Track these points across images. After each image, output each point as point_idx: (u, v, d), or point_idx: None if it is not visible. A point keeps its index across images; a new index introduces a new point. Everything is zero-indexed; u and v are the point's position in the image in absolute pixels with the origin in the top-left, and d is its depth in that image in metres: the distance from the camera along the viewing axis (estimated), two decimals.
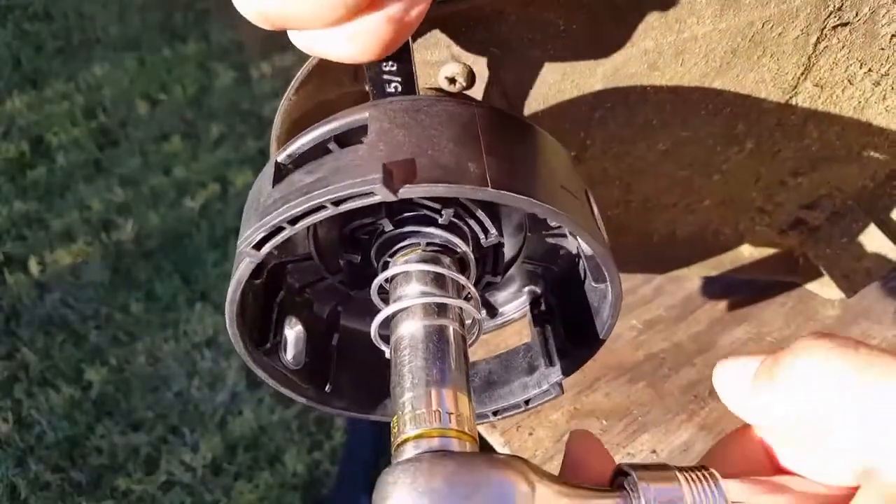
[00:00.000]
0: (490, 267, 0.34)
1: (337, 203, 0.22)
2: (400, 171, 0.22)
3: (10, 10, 1.98)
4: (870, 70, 0.34)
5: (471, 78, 0.30)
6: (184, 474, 1.14)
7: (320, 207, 0.23)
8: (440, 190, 0.22)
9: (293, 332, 0.32)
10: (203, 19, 2.01)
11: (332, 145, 0.26)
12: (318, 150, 0.26)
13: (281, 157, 0.26)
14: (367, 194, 0.22)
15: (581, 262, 0.31)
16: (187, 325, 1.33)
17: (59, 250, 1.43)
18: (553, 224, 0.29)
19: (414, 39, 0.29)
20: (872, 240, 0.41)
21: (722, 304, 0.54)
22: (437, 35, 0.29)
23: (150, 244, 1.47)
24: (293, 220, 0.23)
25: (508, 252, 0.34)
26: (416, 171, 0.22)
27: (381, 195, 0.22)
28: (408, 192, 0.22)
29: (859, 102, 0.35)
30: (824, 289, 0.45)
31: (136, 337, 1.31)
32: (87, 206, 1.52)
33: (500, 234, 0.31)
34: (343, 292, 0.35)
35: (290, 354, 0.32)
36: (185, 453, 1.16)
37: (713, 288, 0.54)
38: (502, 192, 0.23)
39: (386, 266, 0.30)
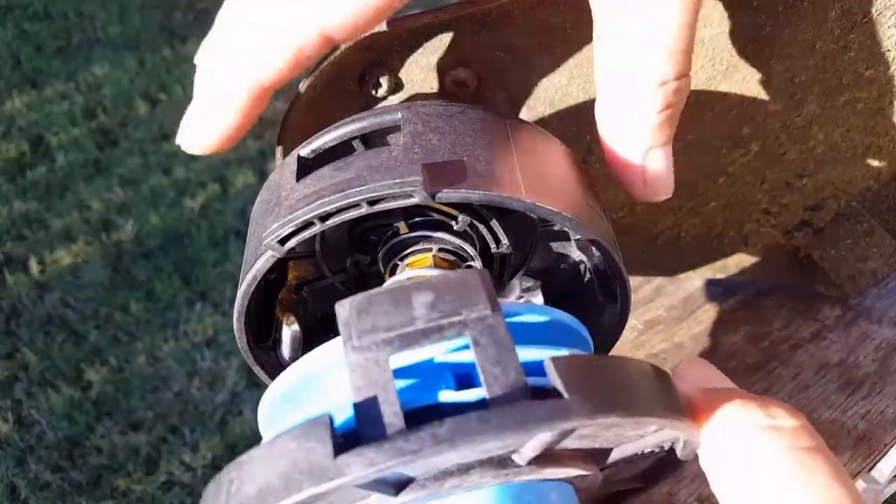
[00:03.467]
0: (495, 277, 0.34)
1: (372, 202, 0.22)
2: (437, 174, 0.22)
3: (9, 10, 1.98)
4: (876, 72, 0.34)
5: (477, 82, 0.30)
6: (184, 474, 1.14)
7: (354, 205, 0.22)
8: (477, 196, 0.22)
9: (290, 330, 0.32)
10: (203, 19, 2.01)
11: (356, 143, 0.26)
12: (343, 148, 0.26)
13: (304, 152, 0.26)
14: (405, 195, 0.22)
15: (589, 277, 0.32)
16: (187, 325, 1.33)
17: (58, 250, 1.43)
18: (575, 238, 0.29)
19: (421, 43, 0.29)
20: (877, 241, 0.41)
21: (722, 305, 0.53)
22: (443, 39, 0.29)
23: (149, 244, 1.47)
24: (324, 217, 0.23)
25: (513, 263, 0.34)
26: (453, 176, 0.22)
27: (420, 198, 0.22)
28: (446, 195, 0.22)
29: (865, 104, 0.36)
30: (830, 290, 0.45)
31: (135, 337, 1.31)
32: (87, 206, 1.52)
33: (510, 244, 0.31)
34: (340, 293, 0.35)
35: (286, 354, 0.32)
36: (185, 453, 1.16)
37: (714, 288, 0.54)
38: (537, 202, 0.23)
39: (395, 269, 0.30)
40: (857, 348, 0.48)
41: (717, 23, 0.30)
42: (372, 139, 0.27)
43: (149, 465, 1.15)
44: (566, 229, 0.25)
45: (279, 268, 0.32)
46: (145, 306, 1.36)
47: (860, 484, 0.49)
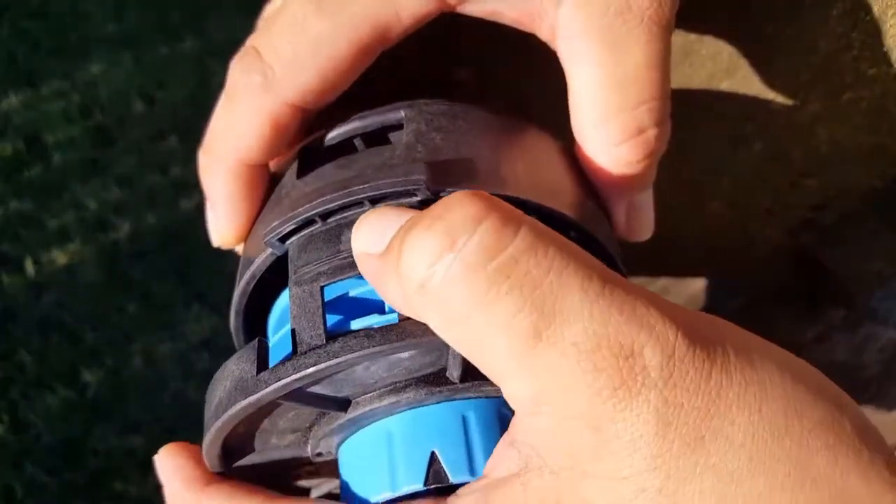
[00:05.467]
0: None
1: (375, 201, 0.22)
2: (440, 173, 0.22)
3: (6, 8, 1.97)
4: (879, 70, 0.34)
5: (479, 80, 0.29)
6: None
7: (356, 203, 0.22)
8: None
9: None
10: (200, 16, 2.01)
11: (357, 142, 0.26)
12: (345, 146, 0.26)
13: (305, 149, 0.26)
14: (408, 194, 0.22)
15: None
16: (184, 326, 1.33)
17: (54, 250, 1.43)
18: (576, 238, 0.29)
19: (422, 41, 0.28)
20: (882, 241, 0.41)
21: (726, 306, 0.53)
22: (445, 37, 0.28)
23: (146, 244, 1.46)
24: (326, 215, 0.23)
25: None
26: (456, 175, 0.22)
27: (423, 196, 0.22)
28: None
29: (868, 103, 0.35)
30: (835, 291, 0.45)
31: (132, 338, 1.30)
32: (84, 206, 1.51)
33: None
34: None
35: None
36: None
37: (717, 289, 0.54)
38: (539, 202, 0.23)
39: None
40: (863, 349, 0.47)
41: (719, 21, 0.30)
42: (373, 137, 0.26)
43: (146, 467, 1.14)
44: (567, 229, 0.24)
45: (278, 268, 0.32)
46: (142, 307, 1.35)
47: None
